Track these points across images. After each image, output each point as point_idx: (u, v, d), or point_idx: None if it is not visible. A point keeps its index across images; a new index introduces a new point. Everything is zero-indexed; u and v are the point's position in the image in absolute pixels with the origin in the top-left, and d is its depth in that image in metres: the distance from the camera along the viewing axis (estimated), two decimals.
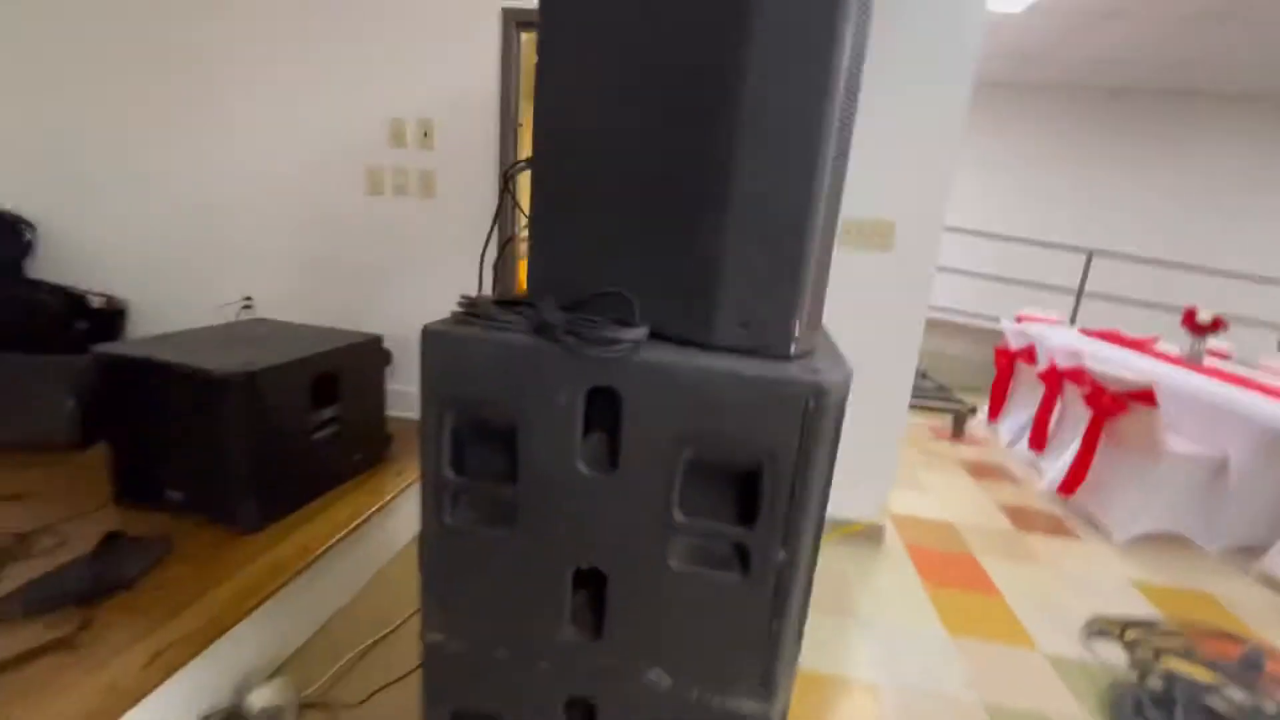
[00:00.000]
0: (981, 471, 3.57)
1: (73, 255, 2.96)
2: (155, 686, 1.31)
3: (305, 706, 1.53)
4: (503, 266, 2.35)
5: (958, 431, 4.12)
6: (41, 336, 2.56)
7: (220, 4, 2.56)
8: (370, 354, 2.20)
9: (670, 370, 0.86)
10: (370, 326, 2.63)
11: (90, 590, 1.49)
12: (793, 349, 0.89)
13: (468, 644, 1.05)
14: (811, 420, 0.84)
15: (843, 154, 0.91)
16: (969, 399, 4.34)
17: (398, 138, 2.55)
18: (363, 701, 1.56)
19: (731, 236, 0.87)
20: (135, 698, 1.28)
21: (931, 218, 2.23)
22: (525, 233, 1.05)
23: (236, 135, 2.68)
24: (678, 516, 0.91)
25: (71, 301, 2.71)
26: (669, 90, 0.87)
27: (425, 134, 2.53)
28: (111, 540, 1.66)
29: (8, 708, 1.17)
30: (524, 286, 1.02)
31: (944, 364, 5.09)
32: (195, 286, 2.86)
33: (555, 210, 0.96)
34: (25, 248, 2.85)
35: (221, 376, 1.68)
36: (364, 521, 1.99)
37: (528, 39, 2.41)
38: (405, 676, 1.62)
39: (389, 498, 2.13)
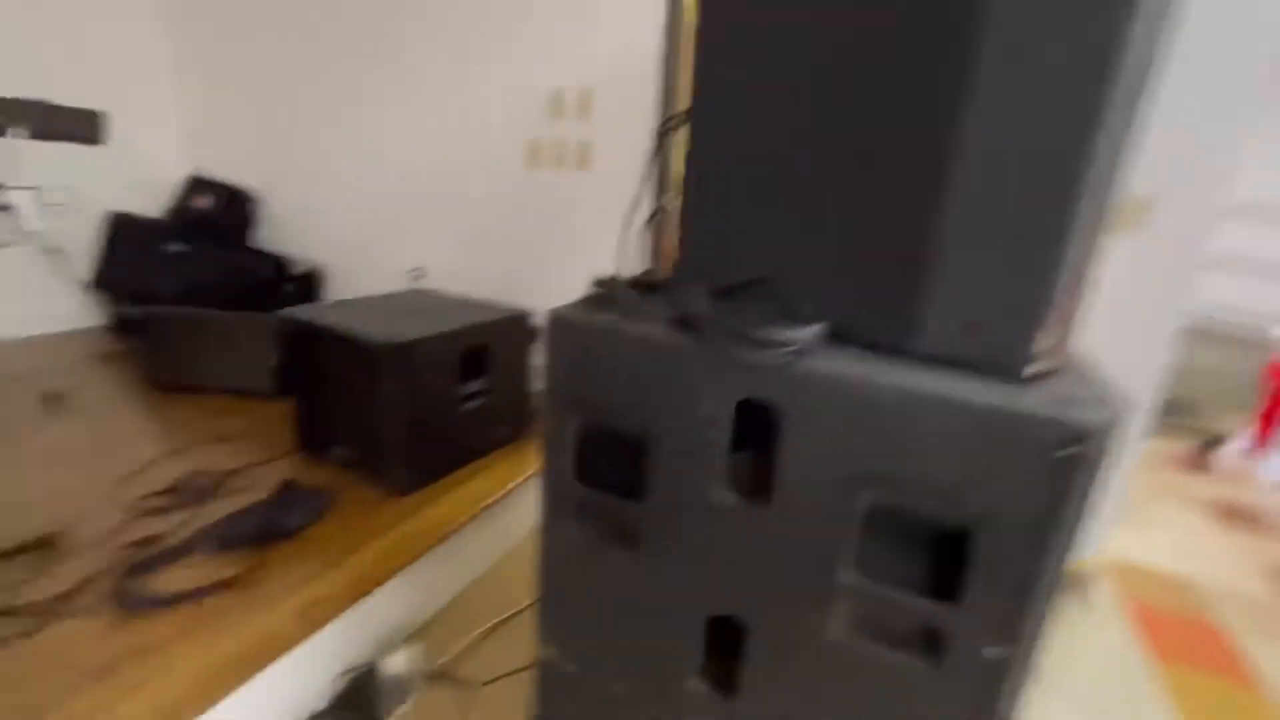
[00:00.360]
0: (1233, 515, 2.82)
1: (284, 224, 3.35)
2: (305, 638, 1.38)
3: (433, 676, 1.55)
4: (651, 241, 2.21)
5: (1203, 462, 3.31)
6: (255, 298, 2.92)
7: None
8: (518, 329, 2.19)
9: (851, 385, 0.64)
10: (527, 300, 2.65)
11: (264, 534, 1.61)
12: (1033, 368, 0.64)
13: (581, 668, 0.93)
14: (1058, 475, 0.59)
15: (1136, 92, 0.62)
16: (1221, 422, 3.47)
17: (557, 108, 2.51)
18: (487, 683, 1.54)
19: (956, 204, 0.62)
20: (287, 646, 1.35)
21: (1204, 193, 1.70)
22: (676, 203, 0.87)
23: (413, 109, 2.81)
24: (845, 575, 0.70)
25: (280, 267, 3.07)
26: (870, 20, 0.64)
27: (583, 103, 2.46)
28: (287, 488, 1.80)
29: (177, 638, 1.28)
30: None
31: (1193, 377, 4.13)
32: (380, 255, 3.08)
33: (711, 173, 0.77)
34: (247, 218, 3.28)
35: (378, 345, 1.73)
36: (503, 496, 2.00)
37: None
38: (526, 669, 1.58)
39: (528, 474, 2.12)
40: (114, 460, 1.95)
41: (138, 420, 2.28)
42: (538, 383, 2.34)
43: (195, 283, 2.95)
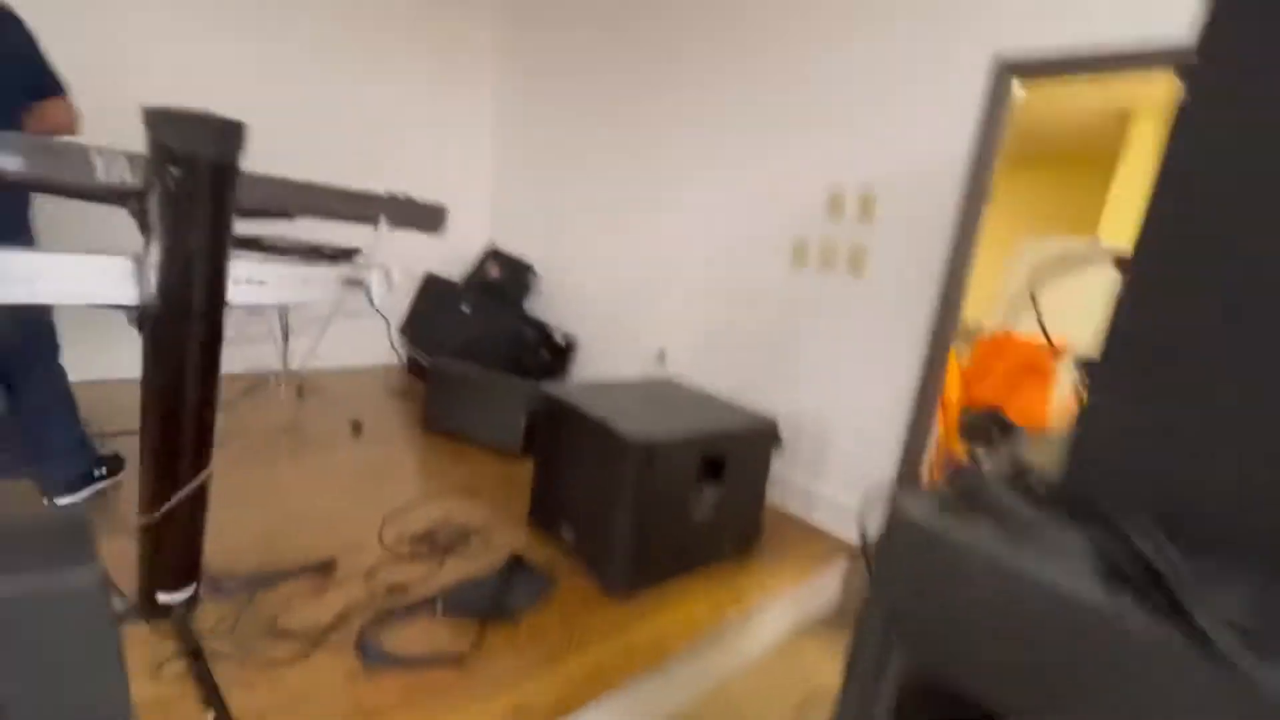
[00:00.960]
0: None
1: (553, 296, 3.69)
2: None
3: None
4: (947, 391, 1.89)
5: None
6: (520, 358, 3.22)
7: (678, 80, 2.83)
8: (762, 438, 2.02)
9: None
10: (768, 401, 2.48)
11: (488, 610, 1.61)
12: None
13: None
14: None
15: None
16: None
17: (834, 209, 2.37)
18: None
19: None
20: None
21: None
22: (1077, 368, 0.61)
23: (685, 200, 2.91)
24: None
25: (543, 334, 3.36)
26: None
27: (865, 206, 2.28)
28: (514, 564, 1.81)
29: (398, 707, 1.27)
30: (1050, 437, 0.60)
31: None
32: (629, 332, 3.21)
33: (1177, 333, 0.52)
34: (526, 287, 3.68)
35: (627, 439, 1.68)
36: (721, 623, 1.78)
37: (1022, 94, 1.94)
38: None
39: (751, 603, 1.88)
40: (385, 492, 2.18)
41: (409, 457, 2.57)
42: (772, 493, 2.12)
43: (475, 339, 3.35)
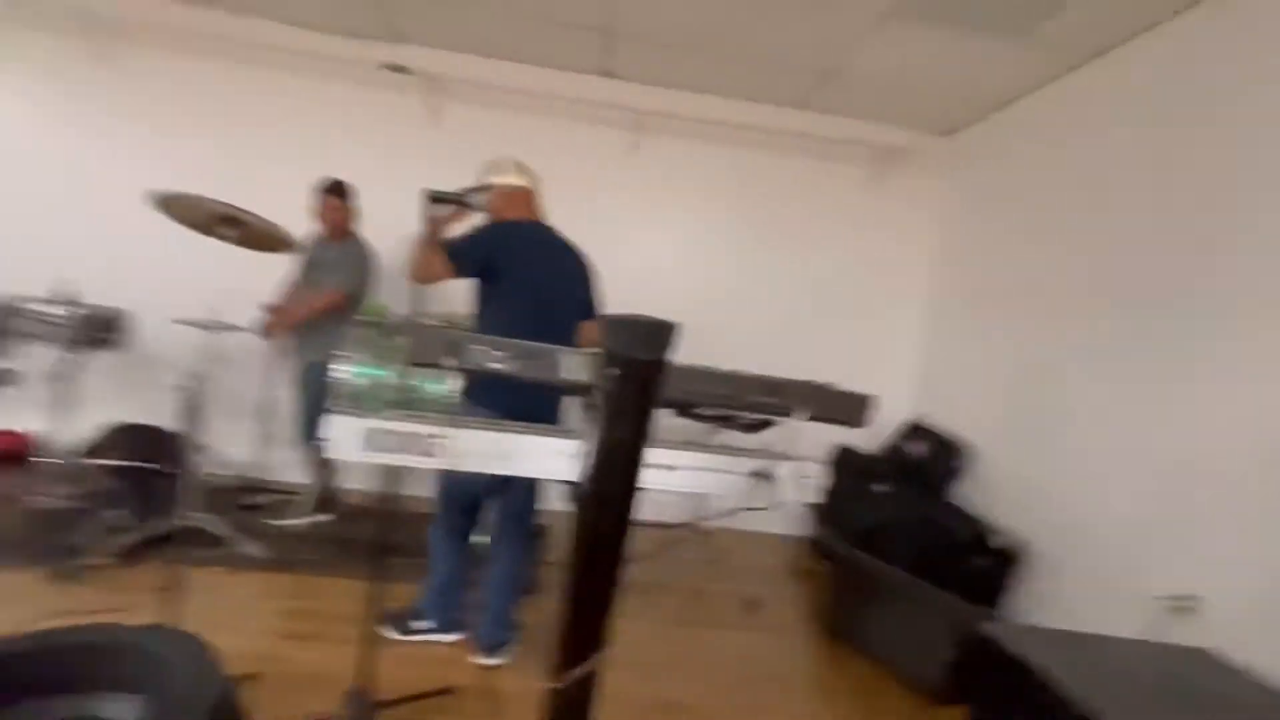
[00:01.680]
0: None
1: (992, 487, 3.00)
2: None
3: None
4: None
5: None
6: (941, 561, 2.62)
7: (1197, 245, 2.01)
8: None
9: None
10: None
11: None
12: None
13: None
14: None
15: None
16: None
17: None
18: None
19: None
20: None
21: None
22: None
23: (1217, 388, 2.00)
24: None
25: (975, 534, 2.70)
26: None
27: None
28: None
29: None
30: None
31: None
32: (1113, 557, 2.28)
33: None
34: (954, 470, 3.09)
35: None
36: None
37: None
38: None
39: None
40: (768, 702, 1.91)
41: (800, 665, 2.25)
42: None
43: (888, 524, 2.92)
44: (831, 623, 2.48)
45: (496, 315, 1.85)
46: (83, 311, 2.50)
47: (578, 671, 1.20)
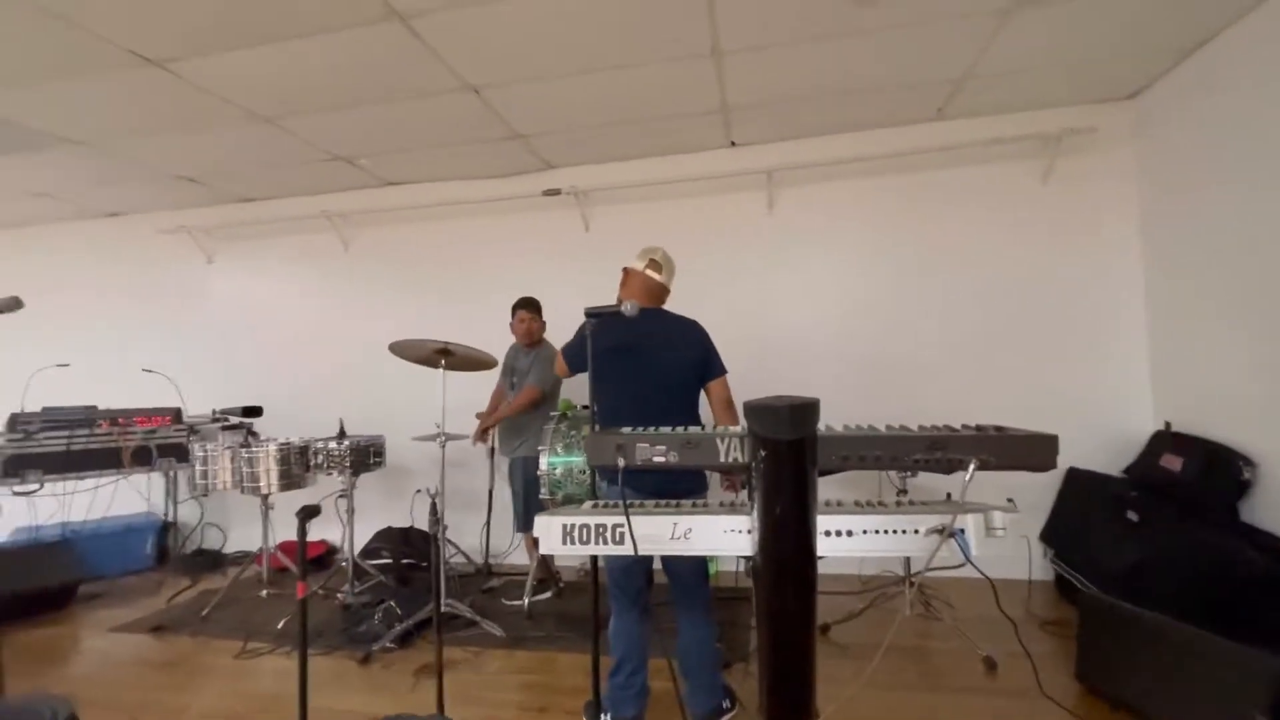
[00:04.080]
0: None
1: None
2: None
3: None
4: None
5: None
6: (1234, 602, 2.11)
7: None
8: None
9: None
10: None
11: None
12: None
13: None
14: None
15: None
16: None
17: None
18: None
19: None
20: None
21: None
22: None
23: None
24: None
25: (1276, 562, 2.14)
26: None
27: None
28: None
29: None
30: None
31: None
32: None
33: None
34: (1233, 488, 2.51)
35: None
36: None
37: None
38: None
39: None
40: None
41: None
42: None
43: (1148, 561, 2.45)
44: (1088, 675, 2.12)
45: (602, 398, 1.98)
46: (356, 442, 3.16)
47: None
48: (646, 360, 2.02)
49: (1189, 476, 2.65)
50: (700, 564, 2.06)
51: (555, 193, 3.71)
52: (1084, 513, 2.92)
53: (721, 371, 2.10)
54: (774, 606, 1.16)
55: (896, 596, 2.90)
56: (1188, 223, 2.91)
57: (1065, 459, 3.05)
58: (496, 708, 2.21)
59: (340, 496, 3.34)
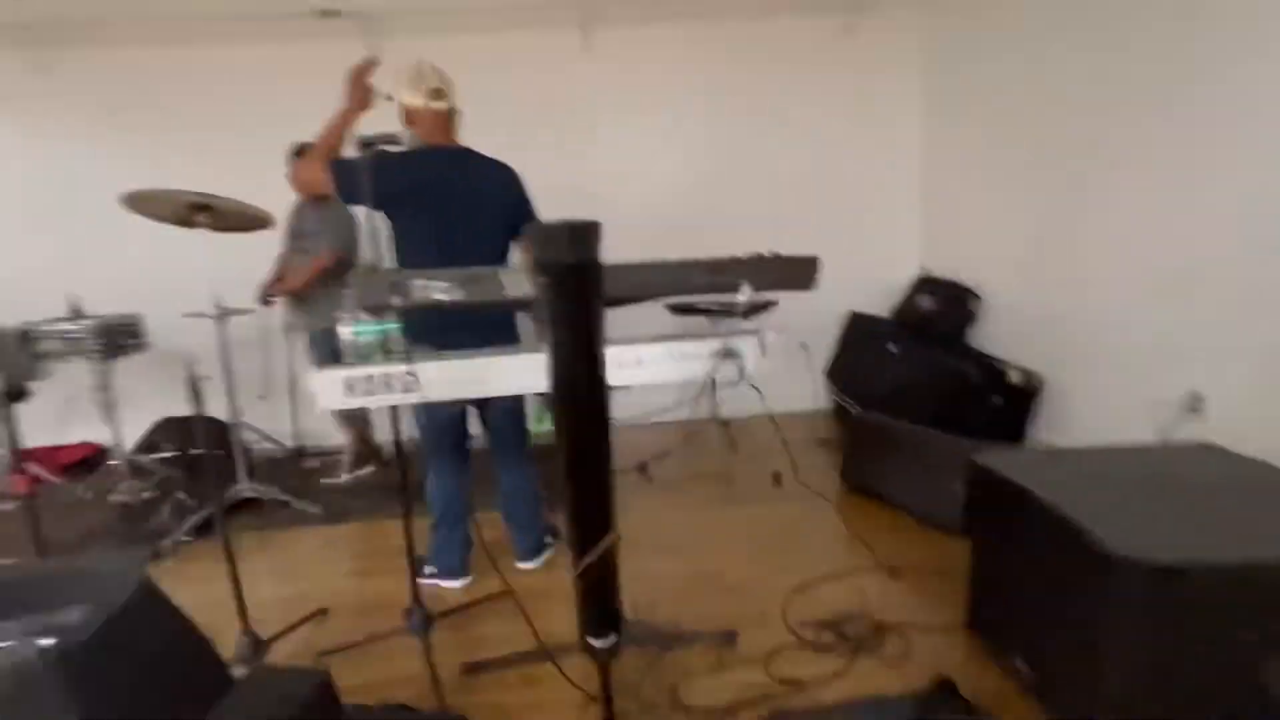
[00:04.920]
0: None
1: (1005, 326, 2.97)
2: None
3: None
4: None
5: None
6: (956, 407, 2.66)
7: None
8: None
9: None
10: None
11: None
12: None
13: None
14: None
15: None
16: None
17: None
18: None
19: None
20: None
21: None
22: None
23: (1215, 178, 1.90)
24: None
25: (991, 375, 2.70)
26: None
27: None
28: (942, 689, 1.40)
29: None
30: None
31: None
32: (1126, 372, 2.28)
33: None
34: (967, 317, 3.06)
35: (1118, 559, 1.10)
36: None
37: None
38: None
39: None
40: (797, 559, 2.04)
41: (829, 520, 2.37)
42: None
43: (905, 384, 2.95)
44: (851, 478, 2.57)
45: (407, 253, 1.84)
46: (98, 322, 2.62)
47: (590, 556, 1.32)
48: (450, 208, 1.82)
49: (936, 313, 3.16)
50: (512, 415, 2.08)
51: (335, 14, 3.09)
52: (857, 349, 3.39)
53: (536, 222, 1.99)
54: (570, 433, 1.20)
55: (705, 432, 3.22)
56: (958, 99, 3.26)
57: (848, 304, 3.47)
58: (320, 580, 2.15)
59: (98, 389, 2.83)
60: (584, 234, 0.96)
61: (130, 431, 3.00)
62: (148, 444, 3.06)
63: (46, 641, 0.42)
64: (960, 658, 1.56)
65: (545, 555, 2.14)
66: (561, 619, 1.70)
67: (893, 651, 1.60)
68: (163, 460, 2.95)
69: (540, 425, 3.43)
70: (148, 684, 0.47)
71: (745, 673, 1.54)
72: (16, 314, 2.69)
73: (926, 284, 3.31)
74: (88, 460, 3.37)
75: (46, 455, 3.27)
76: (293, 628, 1.78)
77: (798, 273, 1.15)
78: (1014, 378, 2.71)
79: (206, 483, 2.82)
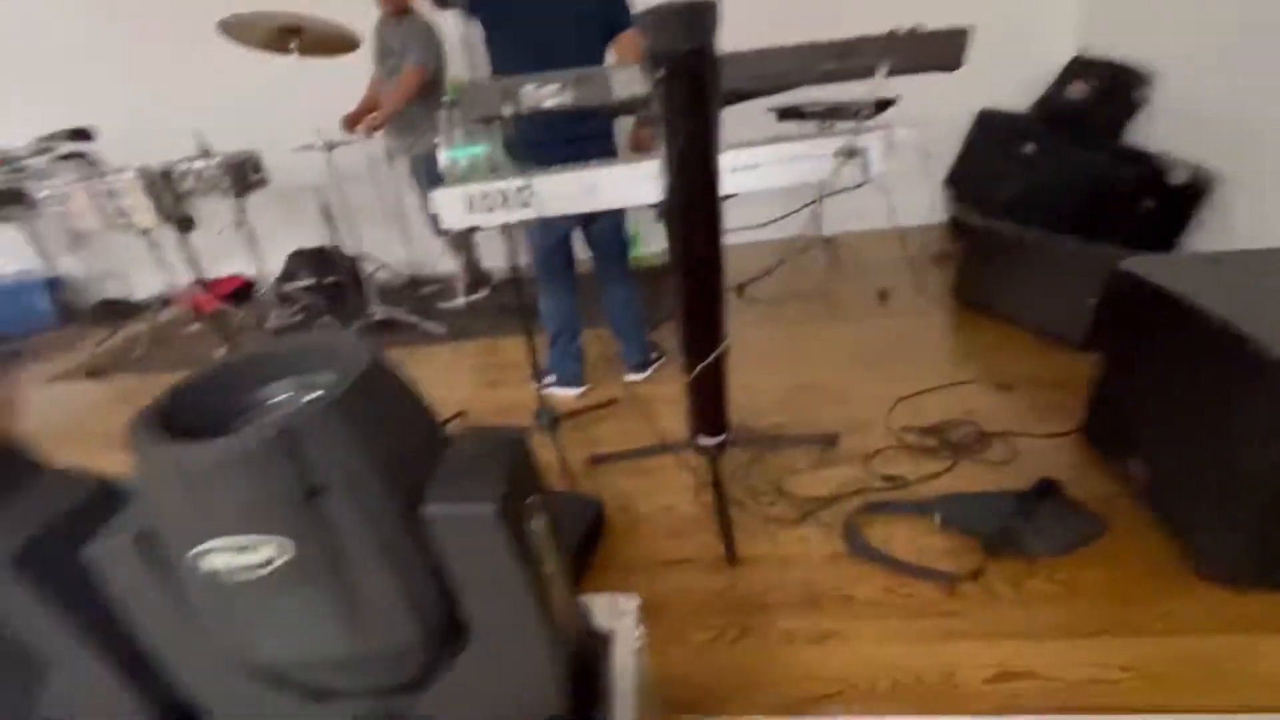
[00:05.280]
0: None
1: (1183, 117, 2.50)
2: (984, 714, 1.09)
3: None
4: None
5: None
6: (1096, 214, 2.36)
7: None
8: None
9: None
10: None
11: (998, 538, 1.35)
12: None
13: None
14: None
15: None
16: None
17: None
18: None
19: None
20: (954, 709, 1.10)
21: None
22: None
23: None
24: None
25: (1147, 175, 2.34)
26: None
27: None
28: (1046, 489, 1.44)
29: (868, 617, 1.22)
30: None
31: None
32: None
33: None
34: (1128, 108, 2.59)
35: (1265, 357, 1.02)
36: None
37: None
38: None
39: None
40: (903, 371, 2.04)
41: (938, 334, 2.32)
42: None
43: (1039, 188, 2.64)
44: (966, 293, 2.45)
45: (502, 61, 1.78)
46: (226, 159, 2.77)
47: (703, 365, 1.39)
48: (546, 7, 1.73)
49: (1089, 103, 2.70)
50: (615, 232, 2.10)
51: None
52: (986, 151, 3.02)
53: (631, 22, 1.82)
54: (685, 241, 1.19)
55: (808, 251, 3.11)
56: None
57: (980, 100, 3.04)
58: (453, 389, 2.42)
59: (238, 225, 3.09)
60: (700, 14, 0.87)
61: (266, 265, 3.33)
62: (286, 274, 3.38)
63: (315, 394, 0.51)
64: (1069, 462, 1.57)
65: (653, 369, 2.28)
66: (671, 423, 1.85)
67: (998, 456, 1.63)
68: (304, 289, 3.27)
69: (638, 249, 3.45)
70: (400, 430, 0.58)
71: (846, 469, 1.65)
72: (137, 156, 2.87)
73: (1080, 68, 2.79)
74: (237, 292, 3.80)
75: (213, 288, 3.73)
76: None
77: (943, 49, 1.00)
78: (1178, 177, 2.35)
79: (346, 306, 3.14)
